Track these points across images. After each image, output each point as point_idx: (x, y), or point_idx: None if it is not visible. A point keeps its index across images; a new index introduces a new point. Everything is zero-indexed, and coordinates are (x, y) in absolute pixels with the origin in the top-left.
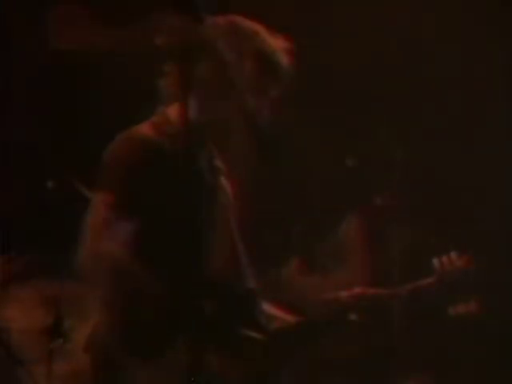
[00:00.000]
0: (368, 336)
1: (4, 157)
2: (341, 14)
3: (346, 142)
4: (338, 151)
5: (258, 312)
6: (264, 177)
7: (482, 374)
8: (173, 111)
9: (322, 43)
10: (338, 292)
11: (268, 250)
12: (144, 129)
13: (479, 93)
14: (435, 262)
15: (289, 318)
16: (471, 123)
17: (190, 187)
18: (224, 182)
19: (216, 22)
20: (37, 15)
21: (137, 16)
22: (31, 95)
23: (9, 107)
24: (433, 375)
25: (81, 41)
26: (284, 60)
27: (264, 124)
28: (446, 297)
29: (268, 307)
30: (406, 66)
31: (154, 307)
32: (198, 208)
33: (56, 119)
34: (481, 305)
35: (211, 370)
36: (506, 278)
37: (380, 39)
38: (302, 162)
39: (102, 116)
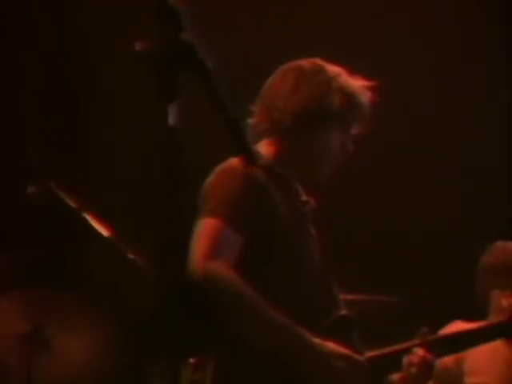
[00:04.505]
0: None
1: None
2: None
3: None
4: None
5: (355, 338)
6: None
7: None
8: (263, 147)
9: None
10: None
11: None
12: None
13: None
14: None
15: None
16: None
17: (288, 214)
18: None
19: (300, 64)
20: None
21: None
22: None
23: None
24: None
25: None
26: (366, 98)
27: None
28: None
29: None
30: None
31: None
32: (300, 232)
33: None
34: None
35: None
36: None
37: None
38: None
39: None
